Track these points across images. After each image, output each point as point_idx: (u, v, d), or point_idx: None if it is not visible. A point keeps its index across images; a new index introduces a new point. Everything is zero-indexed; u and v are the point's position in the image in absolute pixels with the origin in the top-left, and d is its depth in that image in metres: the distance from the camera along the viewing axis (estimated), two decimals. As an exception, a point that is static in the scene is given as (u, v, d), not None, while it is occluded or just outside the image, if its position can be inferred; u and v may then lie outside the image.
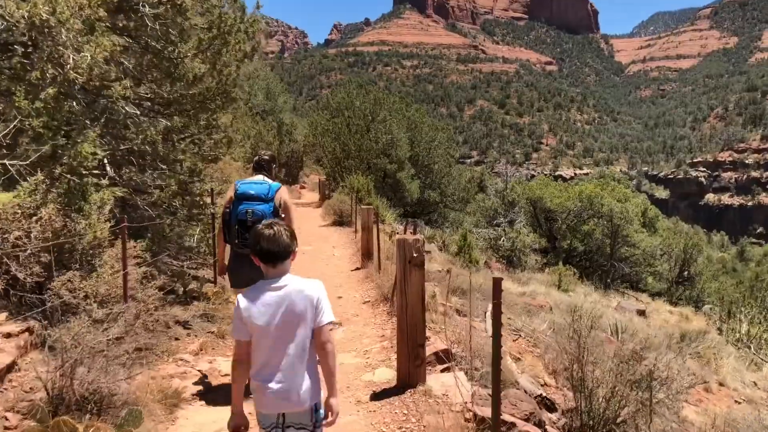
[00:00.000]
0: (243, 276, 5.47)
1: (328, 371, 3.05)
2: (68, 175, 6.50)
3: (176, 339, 6.89)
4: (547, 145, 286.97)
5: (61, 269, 5.97)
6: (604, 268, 28.52)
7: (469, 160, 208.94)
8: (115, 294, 5.96)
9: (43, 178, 5.95)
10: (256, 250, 2.99)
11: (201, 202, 9.80)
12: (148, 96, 8.52)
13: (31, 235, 5.79)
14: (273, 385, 2.95)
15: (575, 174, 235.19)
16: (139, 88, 8.14)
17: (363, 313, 9.63)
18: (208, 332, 7.40)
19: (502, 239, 24.16)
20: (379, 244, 12.27)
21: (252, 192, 5.56)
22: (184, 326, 7.37)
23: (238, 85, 9.75)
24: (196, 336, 7.16)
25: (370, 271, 12.67)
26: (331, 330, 3.11)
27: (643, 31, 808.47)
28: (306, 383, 3.00)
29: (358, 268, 13.76)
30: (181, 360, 6.17)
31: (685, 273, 32.79)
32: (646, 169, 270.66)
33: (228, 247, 5.83)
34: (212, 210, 9.47)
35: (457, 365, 6.53)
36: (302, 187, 45.51)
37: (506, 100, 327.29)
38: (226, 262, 5.91)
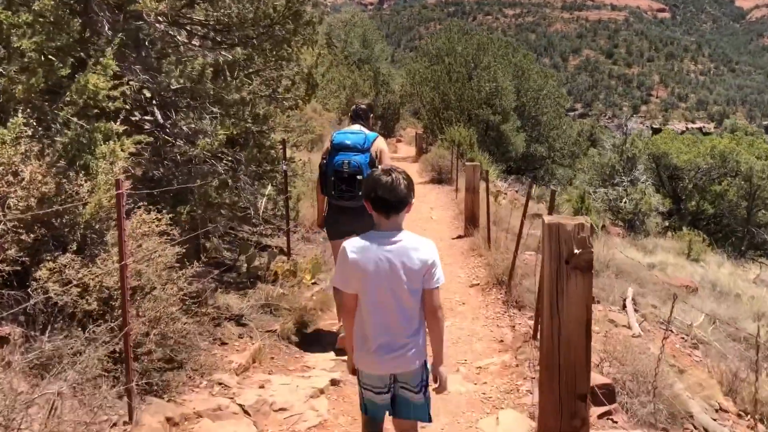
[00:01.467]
0: (341, 228, 5.37)
1: (437, 338, 2.85)
2: (74, 118, 4.70)
3: (222, 343, 5.04)
4: (657, 97, 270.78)
5: (55, 252, 4.20)
6: (737, 235, 24.97)
7: (572, 113, 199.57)
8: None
9: (24, 120, 4.15)
10: (371, 197, 2.73)
11: (271, 157, 7.95)
12: (199, 20, 6.61)
13: (8, 202, 4.03)
14: (382, 345, 2.76)
15: (687, 128, 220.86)
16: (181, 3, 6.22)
17: (471, 301, 7.53)
18: (268, 331, 5.52)
19: (623, 200, 21.22)
20: (488, 208, 10.03)
21: (348, 142, 5.40)
22: (237, 321, 5.52)
23: (316, 4, 7.74)
24: (250, 337, 5.30)
25: (475, 241, 10.51)
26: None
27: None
28: (416, 344, 2.80)
29: (460, 236, 11.63)
30: (220, 383, 4.30)
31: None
32: (767, 123, 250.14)
33: (326, 200, 5.70)
34: (285, 166, 7.55)
35: (622, 407, 4.37)
36: (398, 141, 43.54)
37: (614, 49, 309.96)
38: (325, 215, 5.80)
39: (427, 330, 2.87)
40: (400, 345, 2.77)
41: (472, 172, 11.68)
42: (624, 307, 9.02)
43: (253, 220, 7.84)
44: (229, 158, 7.32)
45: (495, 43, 33.04)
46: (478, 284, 8.10)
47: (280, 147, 7.65)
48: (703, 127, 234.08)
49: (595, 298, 9.46)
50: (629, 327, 7.97)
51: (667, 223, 25.69)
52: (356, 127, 5.73)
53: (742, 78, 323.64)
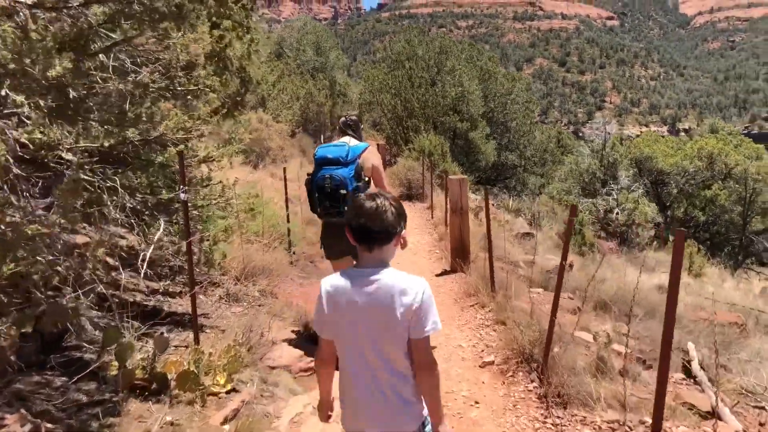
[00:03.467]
0: (336, 247, 5.07)
1: (431, 395, 2.37)
2: None
3: None
4: (611, 102, 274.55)
5: None
6: (733, 243, 22.89)
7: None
8: None
9: None
10: (352, 226, 2.34)
11: (169, 180, 5.22)
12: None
13: None
14: (363, 405, 2.37)
15: (641, 132, 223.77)
16: None
17: (488, 397, 4.78)
18: None
19: (615, 212, 18.84)
20: (489, 238, 7.34)
21: (329, 156, 5.07)
22: None
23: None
24: None
25: (470, 281, 7.82)
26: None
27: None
28: (406, 403, 2.36)
29: (446, 272, 8.95)
30: None
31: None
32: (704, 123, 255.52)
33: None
34: (183, 194, 4.76)
35: None
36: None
37: (566, 57, 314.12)
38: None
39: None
40: (388, 404, 2.34)
41: (458, 188, 8.99)
42: (691, 375, 6.42)
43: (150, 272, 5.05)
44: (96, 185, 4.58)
45: (458, 46, 30.65)
46: (493, 362, 5.33)
47: (174, 163, 4.89)
48: (656, 130, 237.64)
49: (640, 358, 6.91)
50: (716, 414, 5.26)
51: (653, 233, 23.54)
52: (344, 139, 5.38)
53: (690, 82, 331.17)
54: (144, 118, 4.91)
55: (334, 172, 5.01)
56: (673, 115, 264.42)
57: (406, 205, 16.15)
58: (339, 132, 5.67)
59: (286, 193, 8.96)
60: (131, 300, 5.78)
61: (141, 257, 5.18)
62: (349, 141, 5.32)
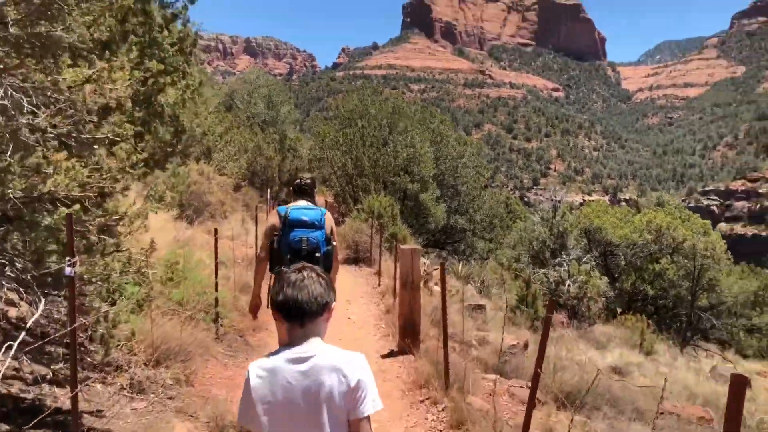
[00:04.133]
0: None
1: None
2: None
3: None
4: (555, 170, 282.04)
5: None
6: (681, 319, 22.67)
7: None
8: None
9: None
10: (277, 301, 2.18)
11: (60, 246, 4.25)
12: None
13: None
14: None
15: (584, 200, 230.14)
16: None
17: None
18: None
19: (566, 283, 18.32)
20: (445, 318, 6.48)
21: (306, 219, 5.15)
22: None
23: None
24: None
25: (421, 369, 6.89)
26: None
27: (649, 59, 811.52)
28: None
29: (393, 353, 8.02)
30: None
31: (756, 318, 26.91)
32: (655, 196, 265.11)
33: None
34: (70, 268, 3.76)
35: None
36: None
37: (514, 125, 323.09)
38: (263, 297, 5.18)
39: None
40: None
41: (409, 260, 8.14)
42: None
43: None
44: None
45: (411, 107, 30.46)
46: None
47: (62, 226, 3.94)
48: (599, 200, 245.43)
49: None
50: None
51: (600, 305, 23.18)
52: (303, 202, 5.43)
53: (631, 154, 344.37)
54: (28, 171, 3.97)
55: (310, 235, 5.06)
56: (615, 185, 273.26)
57: (353, 270, 15.21)
58: (294, 195, 5.68)
59: (216, 257, 7.95)
60: (4, 391, 4.66)
61: (20, 338, 4.14)
62: (310, 204, 5.42)
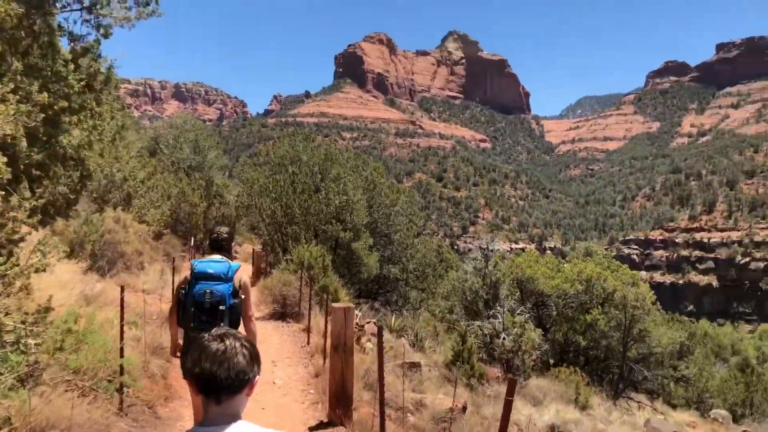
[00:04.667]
0: None
1: None
2: None
3: None
4: (483, 218, 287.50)
5: None
6: (614, 371, 22.58)
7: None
8: None
9: None
10: (194, 373, 1.98)
11: None
12: None
13: None
14: None
15: (511, 248, 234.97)
16: None
17: None
18: None
19: (501, 336, 17.88)
20: (381, 386, 5.75)
21: (211, 271, 5.19)
22: None
23: None
24: None
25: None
26: None
27: (571, 113, 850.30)
28: None
29: (323, 424, 7.20)
30: None
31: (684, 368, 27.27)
32: (579, 245, 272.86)
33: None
34: None
35: None
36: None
37: (443, 174, 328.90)
38: (180, 342, 5.34)
39: None
40: None
41: (342, 319, 7.41)
42: None
43: None
44: None
45: (344, 155, 30.04)
46: None
47: None
48: (525, 248, 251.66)
49: None
50: None
51: (534, 357, 22.86)
52: (217, 256, 5.48)
53: (555, 204, 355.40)
54: None
55: (214, 287, 5.05)
56: (540, 233, 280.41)
57: (280, 326, 14.27)
58: (210, 248, 5.72)
59: (122, 318, 7.00)
60: None
61: None
62: (223, 258, 5.47)
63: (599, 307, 23.38)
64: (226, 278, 5.16)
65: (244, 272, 5.51)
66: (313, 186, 26.54)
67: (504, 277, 24.43)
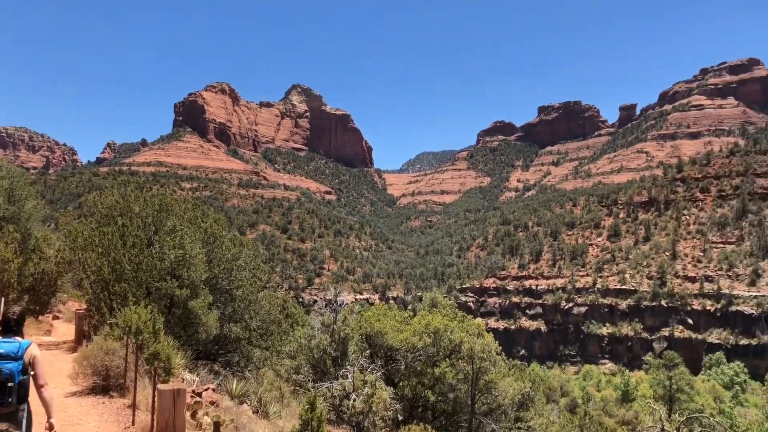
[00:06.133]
0: None
1: None
2: None
3: None
4: (329, 270, 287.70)
5: None
6: (463, 425, 22.35)
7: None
8: None
9: None
10: None
11: None
12: None
13: None
14: None
15: (356, 299, 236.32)
16: None
17: None
18: None
19: (351, 397, 16.92)
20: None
21: (1, 351, 5.47)
22: None
23: None
24: None
25: None
26: None
27: (411, 167, 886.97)
28: None
29: None
30: None
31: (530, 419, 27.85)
32: (420, 294, 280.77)
33: None
34: None
35: None
36: (55, 318, 34.72)
37: (288, 225, 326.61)
38: None
39: None
40: None
41: (170, 404, 6.13)
42: None
43: None
44: None
45: (181, 205, 28.09)
46: None
47: None
48: (369, 298, 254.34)
49: None
50: None
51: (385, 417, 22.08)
52: (10, 335, 5.71)
53: (397, 254, 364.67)
54: None
55: (3, 366, 5.27)
56: (384, 283, 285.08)
57: (100, 403, 12.29)
58: (2, 330, 5.81)
59: None
60: None
61: None
62: (15, 338, 5.69)
63: (447, 359, 23.21)
64: (15, 357, 5.39)
65: (35, 348, 5.77)
66: (145, 239, 24.39)
67: (353, 332, 23.65)
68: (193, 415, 11.15)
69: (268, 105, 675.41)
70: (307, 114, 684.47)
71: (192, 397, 13.22)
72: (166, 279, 23.48)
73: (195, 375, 20.82)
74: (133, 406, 10.64)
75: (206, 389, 17.39)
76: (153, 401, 8.04)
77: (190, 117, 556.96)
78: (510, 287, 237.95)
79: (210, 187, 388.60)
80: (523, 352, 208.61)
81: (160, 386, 6.75)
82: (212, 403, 15.07)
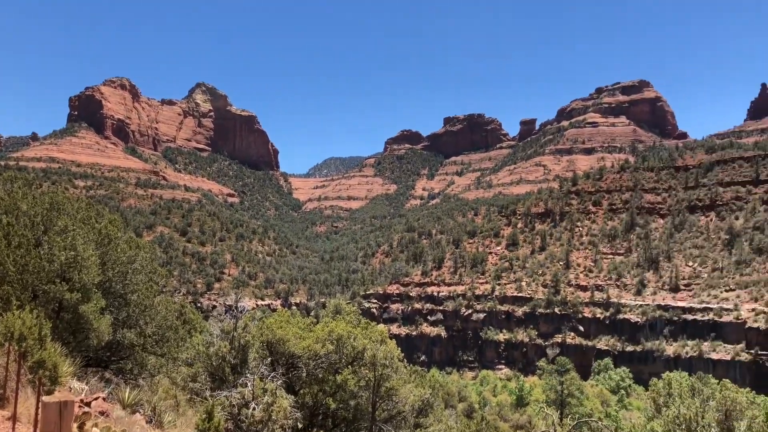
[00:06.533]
0: None
1: None
2: None
3: None
4: (229, 275, 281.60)
5: None
6: (363, 432, 22.39)
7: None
8: None
9: None
10: None
11: None
12: None
13: None
14: None
15: (257, 305, 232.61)
16: None
17: None
18: None
19: (251, 407, 16.53)
20: None
21: None
22: None
23: None
24: None
25: None
26: None
27: (318, 172, 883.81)
28: None
29: None
30: None
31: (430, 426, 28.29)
32: (323, 300, 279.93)
33: None
34: None
35: None
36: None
37: (188, 228, 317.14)
38: None
39: None
40: None
41: (56, 416, 5.74)
42: None
43: None
44: None
45: (74, 204, 26.65)
46: None
47: None
48: (271, 303, 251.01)
49: None
50: None
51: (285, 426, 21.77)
52: None
53: (302, 260, 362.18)
54: None
55: None
56: (287, 289, 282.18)
57: (-24, 414, 11.46)
58: None
59: None
60: None
61: None
62: None
63: (349, 366, 23.17)
64: None
65: None
66: (33, 239, 22.95)
67: (254, 340, 23.18)
68: (81, 427, 10.55)
69: (171, 103, 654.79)
70: (212, 114, 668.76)
71: (80, 407, 12.57)
72: (55, 282, 22.19)
73: (84, 383, 19.74)
74: (13, 419, 9.93)
75: (96, 398, 16.59)
76: (36, 414, 7.51)
77: (86, 112, 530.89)
78: (413, 294, 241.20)
79: (106, 186, 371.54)
80: (423, 357, 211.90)
81: (45, 398, 6.32)
82: (102, 413, 14.37)
